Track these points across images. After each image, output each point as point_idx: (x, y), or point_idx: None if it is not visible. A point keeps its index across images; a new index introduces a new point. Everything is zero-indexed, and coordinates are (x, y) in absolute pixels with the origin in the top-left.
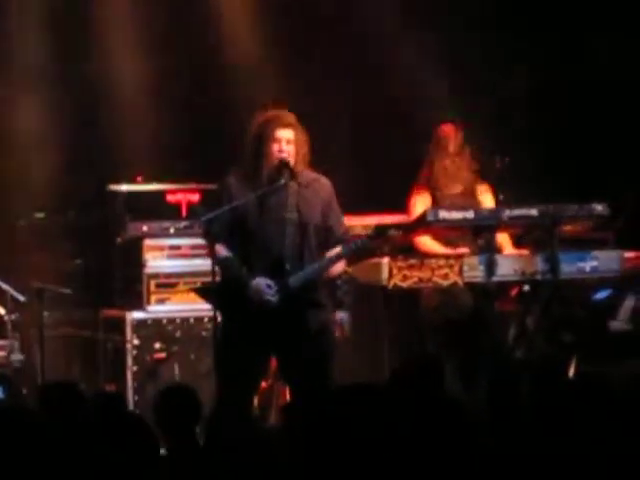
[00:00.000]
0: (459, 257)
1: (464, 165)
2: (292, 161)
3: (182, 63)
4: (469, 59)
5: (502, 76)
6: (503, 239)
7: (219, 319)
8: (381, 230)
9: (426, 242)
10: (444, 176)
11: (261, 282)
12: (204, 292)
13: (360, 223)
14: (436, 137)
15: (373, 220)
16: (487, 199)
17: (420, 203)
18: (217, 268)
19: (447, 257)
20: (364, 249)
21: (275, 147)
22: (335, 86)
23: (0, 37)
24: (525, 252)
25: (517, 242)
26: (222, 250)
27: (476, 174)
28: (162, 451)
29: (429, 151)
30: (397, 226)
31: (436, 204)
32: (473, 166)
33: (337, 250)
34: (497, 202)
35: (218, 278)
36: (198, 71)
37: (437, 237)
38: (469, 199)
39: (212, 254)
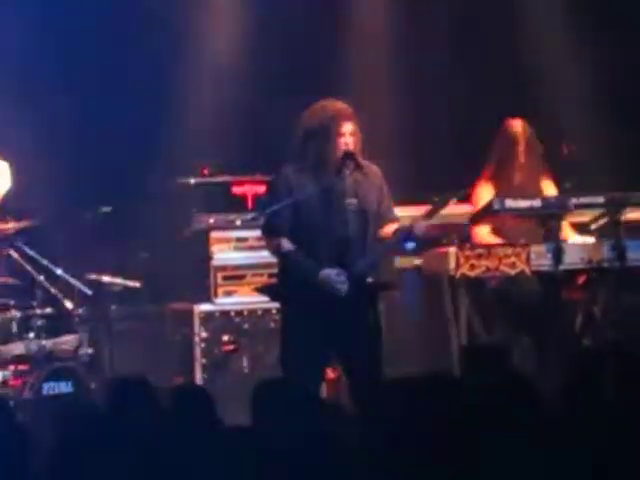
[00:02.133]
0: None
1: (532, 160)
2: (356, 152)
3: (248, 61)
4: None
5: (566, 62)
6: (564, 227)
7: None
8: (444, 197)
9: (483, 235)
10: (511, 171)
11: (330, 273)
12: (267, 291)
13: (412, 214)
14: (504, 132)
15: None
16: (549, 192)
17: (486, 194)
18: (281, 261)
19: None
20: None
21: (342, 141)
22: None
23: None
24: (589, 239)
25: (582, 230)
26: (286, 243)
27: (543, 169)
28: None
29: (497, 145)
30: (460, 195)
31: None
32: (541, 161)
33: (394, 229)
34: (564, 190)
35: (277, 271)
36: (266, 63)
37: (496, 230)
38: (533, 193)
39: (276, 247)
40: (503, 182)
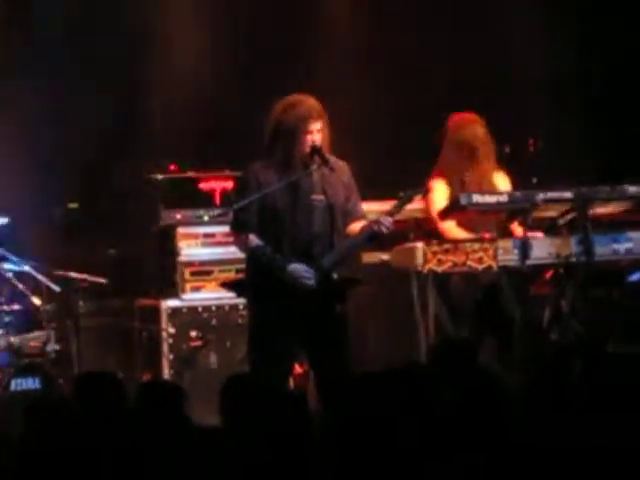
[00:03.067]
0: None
1: (485, 156)
2: (323, 148)
3: (215, 54)
4: (503, 41)
5: (537, 58)
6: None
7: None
8: (409, 193)
9: (451, 229)
10: (462, 165)
11: (298, 267)
12: (232, 286)
13: (378, 209)
14: (453, 126)
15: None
16: (503, 187)
17: (439, 192)
18: (248, 257)
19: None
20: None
21: (309, 138)
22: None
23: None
24: (539, 235)
25: (550, 225)
26: (254, 239)
27: (495, 163)
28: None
29: (445, 139)
30: (421, 190)
31: (453, 193)
32: (493, 155)
33: (361, 227)
34: (530, 185)
35: (244, 267)
36: (230, 61)
37: (461, 223)
38: (486, 187)
39: (244, 242)
40: (457, 178)
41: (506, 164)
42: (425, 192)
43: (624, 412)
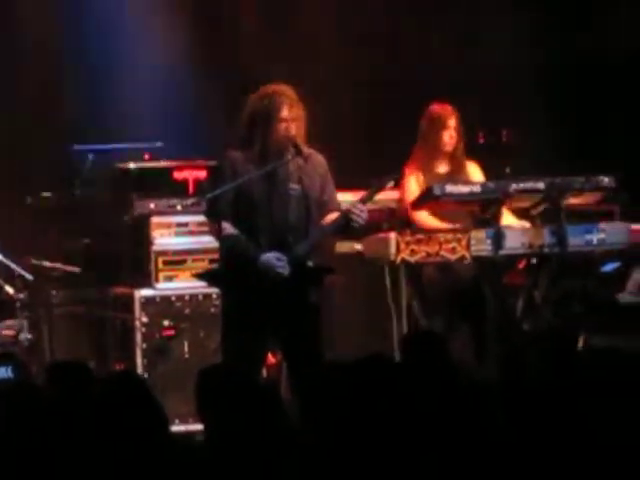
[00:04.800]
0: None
1: (457, 145)
2: (298, 138)
3: (190, 40)
4: (481, 33)
5: (513, 47)
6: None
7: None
8: (380, 181)
9: (425, 218)
10: (435, 156)
11: (271, 256)
12: (206, 277)
13: (352, 199)
14: (429, 116)
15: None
16: (476, 177)
17: (414, 182)
18: (222, 245)
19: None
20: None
21: (283, 125)
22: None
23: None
24: (526, 223)
25: (523, 215)
26: (228, 227)
27: (465, 154)
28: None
29: (421, 130)
30: (393, 177)
31: (426, 184)
32: (463, 146)
33: (336, 216)
34: (504, 175)
35: (218, 257)
36: (205, 47)
37: (434, 213)
38: (458, 179)
39: (218, 230)
40: (427, 169)
41: (479, 154)
42: (398, 180)
43: (598, 405)
